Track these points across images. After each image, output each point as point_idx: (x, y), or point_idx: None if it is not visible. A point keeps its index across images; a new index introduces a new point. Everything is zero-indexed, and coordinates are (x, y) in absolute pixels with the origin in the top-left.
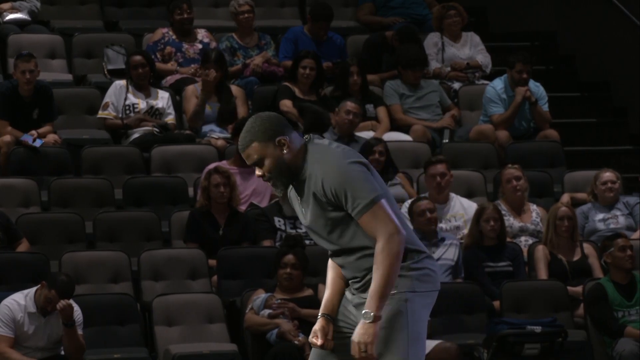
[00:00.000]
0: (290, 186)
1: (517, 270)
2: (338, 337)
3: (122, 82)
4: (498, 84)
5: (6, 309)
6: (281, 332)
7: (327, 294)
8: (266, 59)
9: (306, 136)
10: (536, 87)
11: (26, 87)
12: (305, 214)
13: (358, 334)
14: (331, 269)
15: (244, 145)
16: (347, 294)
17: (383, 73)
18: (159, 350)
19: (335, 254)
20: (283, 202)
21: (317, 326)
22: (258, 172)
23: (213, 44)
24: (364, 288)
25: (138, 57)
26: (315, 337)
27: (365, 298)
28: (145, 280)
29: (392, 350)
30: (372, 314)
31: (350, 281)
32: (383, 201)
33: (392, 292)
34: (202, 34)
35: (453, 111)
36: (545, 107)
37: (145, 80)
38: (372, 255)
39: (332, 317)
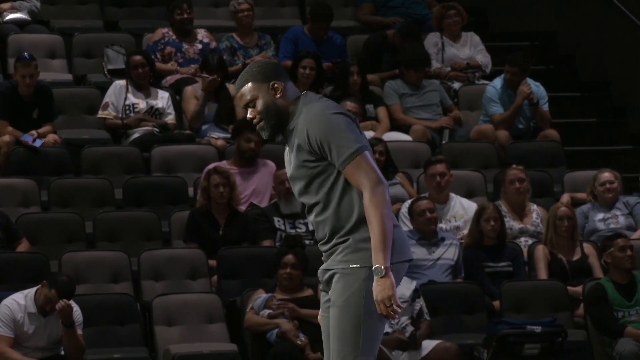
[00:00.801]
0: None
1: (517, 270)
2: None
3: (122, 82)
4: (498, 83)
5: (6, 309)
6: (281, 332)
7: None
8: (266, 59)
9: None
10: (536, 87)
11: (26, 89)
12: (290, 162)
13: (377, 292)
14: None
15: (239, 84)
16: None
17: (383, 73)
18: (159, 350)
19: (310, 210)
20: (262, 134)
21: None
22: (250, 114)
23: (213, 44)
24: (331, 252)
25: (138, 57)
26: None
27: (331, 269)
28: (145, 280)
29: (342, 331)
30: (382, 267)
31: (319, 244)
32: (366, 152)
33: (355, 266)
34: (202, 34)
35: (455, 112)
36: (545, 107)
37: (145, 80)
38: (341, 218)
39: None
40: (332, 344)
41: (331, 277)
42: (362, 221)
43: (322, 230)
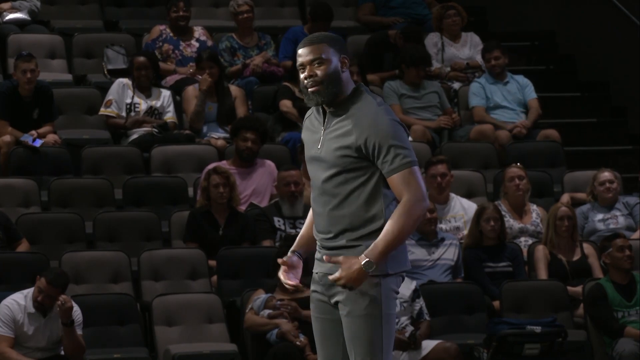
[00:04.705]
0: (310, 113)
1: (517, 271)
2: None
3: (124, 80)
4: (483, 79)
5: (6, 309)
6: (281, 332)
7: (304, 231)
8: (266, 59)
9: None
10: (520, 78)
11: (27, 86)
12: (322, 143)
13: (348, 274)
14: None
15: (314, 40)
16: (317, 254)
17: (384, 72)
18: (159, 350)
19: (319, 199)
20: (308, 100)
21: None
22: (308, 71)
23: (210, 43)
24: (335, 254)
25: (141, 59)
26: (285, 274)
27: (328, 272)
28: (145, 280)
29: (367, 338)
30: (373, 265)
31: (320, 235)
32: (418, 168)
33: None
34: (199, 32)
35: (454, 116)
36: (532, 94)
37: (147, 81)
38: (358, 220)
39: (302, 256)
40: (354, 349)
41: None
42: (379, 230)
43: (331, 224)
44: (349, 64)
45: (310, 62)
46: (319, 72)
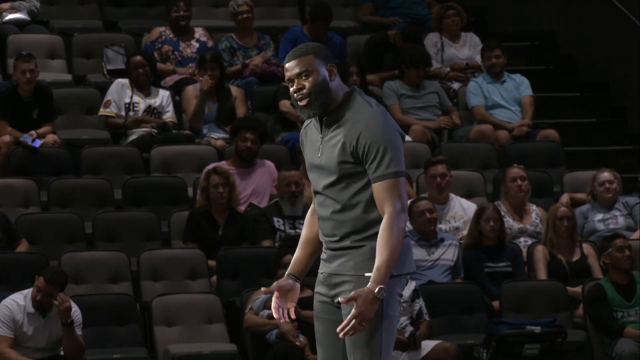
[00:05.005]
0: (309, 122)
1: (517, 271)
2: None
3: (123, 80)
4: (480, 78)
5: (6, 309)
6: (281, 332)
7: (299, 252)
8: (266, 59)
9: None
10: (517, 77)
11: (26, 87)
12: (321, 151)
13: (366, 309)
14: (309, 227)
15: (299, 53)
16: (323, 255)
17: (383, 72)
18: (158, 350)
19: (324, 204)
20: (300, 113)
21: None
22: (297, 85)
23: (210, 43)
24: (339, 255)
25: (138, 58)
26: (275, 308)
27: (340, 274)
28: (145, 281)
29: (368, 339)
30: (385, 290)
31: (326, 238)
32: (403, 179)
33: (370, 274)
34: (199, 32)
35: (453, 114)
36: (527, 91)
37: (145, 80)
38: (362, 222)
39: (299, 279)
40: (354, 350)
41: (340, 283)
42: None
43: (336, 228)
44: (337, 70)
45: (298, 76)
46: (306, 85)
